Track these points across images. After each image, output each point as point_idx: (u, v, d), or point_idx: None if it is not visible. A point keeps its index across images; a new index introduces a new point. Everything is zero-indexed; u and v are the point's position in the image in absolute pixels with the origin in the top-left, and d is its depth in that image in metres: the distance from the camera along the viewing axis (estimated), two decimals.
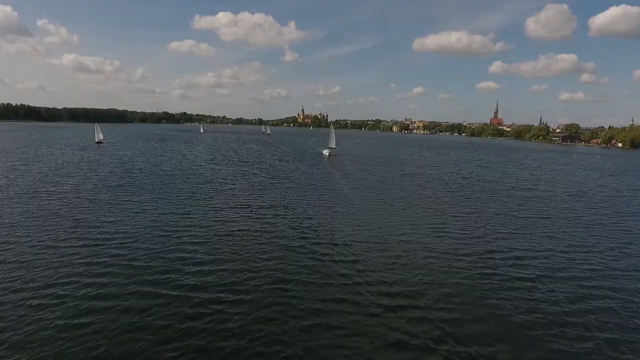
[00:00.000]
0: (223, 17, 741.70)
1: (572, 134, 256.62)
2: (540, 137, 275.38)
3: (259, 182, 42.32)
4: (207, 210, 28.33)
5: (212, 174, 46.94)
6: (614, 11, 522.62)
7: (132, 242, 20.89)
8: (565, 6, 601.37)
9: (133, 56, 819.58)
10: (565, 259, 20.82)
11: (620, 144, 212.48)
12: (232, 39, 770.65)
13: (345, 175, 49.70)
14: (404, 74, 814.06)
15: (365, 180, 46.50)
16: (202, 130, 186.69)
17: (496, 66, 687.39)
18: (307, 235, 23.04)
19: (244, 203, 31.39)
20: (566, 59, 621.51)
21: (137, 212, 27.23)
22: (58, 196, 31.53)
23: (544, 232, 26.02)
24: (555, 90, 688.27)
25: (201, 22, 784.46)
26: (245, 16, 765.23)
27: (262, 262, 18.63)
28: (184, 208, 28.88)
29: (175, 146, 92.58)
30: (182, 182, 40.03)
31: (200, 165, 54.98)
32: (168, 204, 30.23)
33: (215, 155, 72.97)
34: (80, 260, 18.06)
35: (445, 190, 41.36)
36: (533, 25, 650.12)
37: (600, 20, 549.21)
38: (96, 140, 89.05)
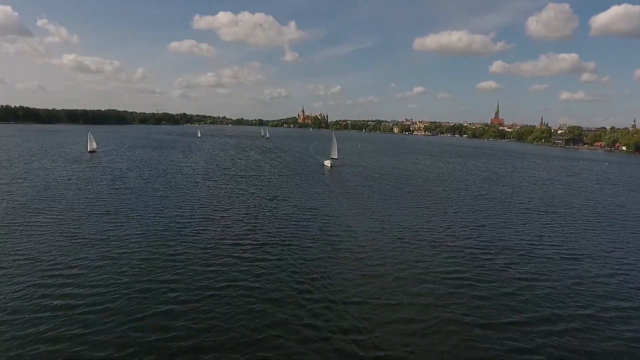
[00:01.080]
0: (223, 16, 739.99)
1: (575, 136, 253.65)
2: (543, 140, 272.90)
3: (255, 207, 39.44)
4: (196, 252, 25.48)
5: (207, 195, 44.09)
6: (615, 10, 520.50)
7: (109, 289, 19.08)
8: (566, 5, 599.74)
9: (133, 56, 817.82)
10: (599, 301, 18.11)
11: (624, 148, 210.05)
12: (232, 39, 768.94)
13: (349, 195, 46.87)
14: (404, 73, 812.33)
15: (370, 201, 43.67)
16: (199, 135, 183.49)
17: (497, 66, 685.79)
18: (305, 289, 20.27)
19: (236, 239, 28.45)
20: (567, 59, 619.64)
21: (121, 248, 25.17)
22: (35, 230, 28.74)
23: (569, 271, 23.25)
24: (556, 89, 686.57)
25: (201, 22, 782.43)
26: (245, 16, 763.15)
27: (253, 328, 15.93)
28: (171, 246, 26.13)
29: (171, 156, 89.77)
30: (173, 208, 37.17)
31: (195, 183, 52.12)
32: (154, 239, 27.57)
33: (212, 167, 70.11)
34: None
35: (456, 216, 38.55)
36: (534, 25, 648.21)
37: (602, 19, 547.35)
38: (89, 150, 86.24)
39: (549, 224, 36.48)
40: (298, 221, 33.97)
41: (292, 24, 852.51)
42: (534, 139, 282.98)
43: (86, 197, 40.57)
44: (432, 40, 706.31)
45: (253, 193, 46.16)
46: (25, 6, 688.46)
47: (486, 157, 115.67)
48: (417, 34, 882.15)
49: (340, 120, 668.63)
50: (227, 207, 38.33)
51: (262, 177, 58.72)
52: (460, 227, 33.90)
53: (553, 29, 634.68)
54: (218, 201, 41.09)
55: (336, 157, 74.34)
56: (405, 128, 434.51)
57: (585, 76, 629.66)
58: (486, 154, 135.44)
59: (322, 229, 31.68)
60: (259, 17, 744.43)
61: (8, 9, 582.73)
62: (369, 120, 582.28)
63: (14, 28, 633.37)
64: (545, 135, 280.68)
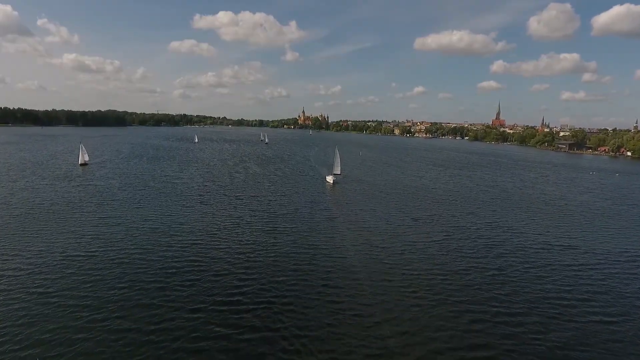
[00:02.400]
0: (224, 16, 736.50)
1: (579, 140, 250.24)
2: (546, 144, 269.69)
3: (251, 244, 36.16)
4: (184, 300, 22.26)
5: (200, 228, 40.75)
6: (617, 10, 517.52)
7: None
8: (568, 5, 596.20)
9: (133, 56, 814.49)
10: None
11: (629, 153, 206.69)
12: (232, 39, 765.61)
13: (351, 225, 43.58)
14: (405, 73, 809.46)
15: (375, 233, 40.38)
16: (197, 140, 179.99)
17: (497, 65, 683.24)
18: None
19: (227, 288, 25.24)
20: (568, 59, 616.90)
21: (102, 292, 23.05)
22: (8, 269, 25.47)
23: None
24: (557, 89, 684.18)
25: (201, 21, 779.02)
26: (246, 15, 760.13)
27: None
28: (156, 296, 22.94)
29: (167, 169, 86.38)
30: (162, 244, 33.88)
31: (189, 209, 48.77)
32: (138, 278, 24.86)
33: (208, 184, 66.75)
34: None
35: (473, 253, 35.25)
36: (535, 25, 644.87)
37: (603, 19, 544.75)
38: (81, 162, 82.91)
39: (573, 266, 33.17)
40: (296, 265, 30.68)
41: (293, 23, 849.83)
42: (536, 143, 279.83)
43: (68, 229, 37.33)
44: (433, 40, 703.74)
45: (250, 223, 42.78)
46: (25, 6, 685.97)
47: (492, 169, 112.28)
48: (417, 33, 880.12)
49: (341, 120, 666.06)
50: (220, 244, 35.04)
51: (260, 200, 55.33)
52: (475, 271, 30.58)
53: (554, 29, 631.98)
54: (211, 236, 37.70)
55: (339, 172, 71.01)
56: (406, 130, 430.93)
57: (586, 76, 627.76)
58: (491, 163, 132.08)
59: (324, 278, 28.36)
60: (259, 16, 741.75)
61: (8, 8, 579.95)
62: (369, 121, 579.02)
63: (14, 28, 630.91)
64: (548, 139, 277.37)
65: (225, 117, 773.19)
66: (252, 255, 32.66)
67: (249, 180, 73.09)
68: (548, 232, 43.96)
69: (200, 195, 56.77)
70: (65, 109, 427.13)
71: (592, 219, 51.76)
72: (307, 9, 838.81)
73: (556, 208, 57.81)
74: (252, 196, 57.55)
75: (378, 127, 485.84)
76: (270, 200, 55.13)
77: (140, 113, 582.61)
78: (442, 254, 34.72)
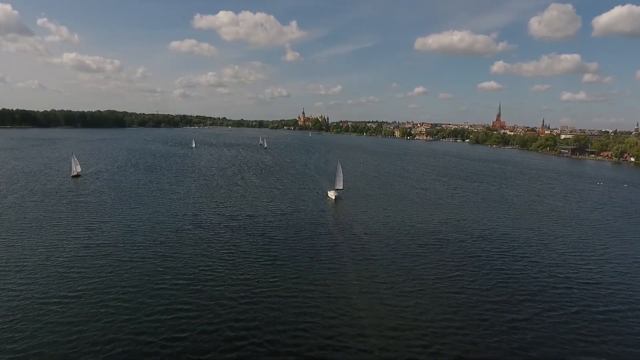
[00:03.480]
0: (224, 16, 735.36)
1: (582, 145, 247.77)
2: (548, 148, 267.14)
3: (248, 277, 33.56)
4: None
5: (195, 254, 38.16)
6: (618, 11, 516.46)
7: None
8: (569, 6, 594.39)
9: (134, 55, 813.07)
10: None
11: (632, 159, 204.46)
12: (233, 39, 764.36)
13: (356, 252, 41.01)
14: (405, 73, 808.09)
15: (382, 264, 37.79)
16: (194, 145, 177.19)
17: (498, 66, 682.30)
18: None
19: (218, 341, 22.64)
20: (569, 59, 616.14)
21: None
22: None
23: None
24: (557, 90, 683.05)
25: (202, 21, 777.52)
26: (246, 15, 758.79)
27: None
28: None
29: (163, 181, 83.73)
30: (154, 278, 31.24)
31: (183, 233, 46.18)
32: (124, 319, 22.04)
33: (205, 201, 64.15)
34: None
35: (487, 292, 32.68)
36: (536, 25, 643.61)
37: (605, 20, 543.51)
38: (73, 174, 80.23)
39: (599, 305, 30.60)
40: (299, 309, 28.06)
41: (294, 23, 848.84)
42: (538, 147, 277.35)
43: (54, 259, 34.68)
44: (433, 40, 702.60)
45: (246, 252, 40.14)
46: (25, 5, 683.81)
47: (497, 179, 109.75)
48: (418, 33, 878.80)
49: (341, 121, 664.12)
50: (215, 280, 32.42)
51: (258, 221, 52.66)
52: (492, 316, 27.96)
53: (555, 29, 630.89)
54: (205, 269, 35.03)
55: (341, 187, 68.35)
56: (407, 132, 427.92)
57: (587, 77, 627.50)
58: (495, 171, 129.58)
59: (327, 327, 25.75)
60: (260, 16, 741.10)
61: (8, 7, 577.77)
62: (369, 122, 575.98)
63: (14, 27, 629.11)
64: (550, 143, 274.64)
65: (225, 117, 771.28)
66: (248, 294, 30.08)
67: (248, 195, 70.40)
68: (564, 261, 41.39)
69: (195, 216, 54.04)
70: (65, 109, 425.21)
71: (607, 242, 49.21)
72: (308, 8, 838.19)
73: (569, 229, 55.21)
74: (250, 216, 54.90)
75: (378, 129, 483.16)
76: (269, 221, 52.48)
77: (140, 114, 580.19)
78: (453, 294, 32.11)
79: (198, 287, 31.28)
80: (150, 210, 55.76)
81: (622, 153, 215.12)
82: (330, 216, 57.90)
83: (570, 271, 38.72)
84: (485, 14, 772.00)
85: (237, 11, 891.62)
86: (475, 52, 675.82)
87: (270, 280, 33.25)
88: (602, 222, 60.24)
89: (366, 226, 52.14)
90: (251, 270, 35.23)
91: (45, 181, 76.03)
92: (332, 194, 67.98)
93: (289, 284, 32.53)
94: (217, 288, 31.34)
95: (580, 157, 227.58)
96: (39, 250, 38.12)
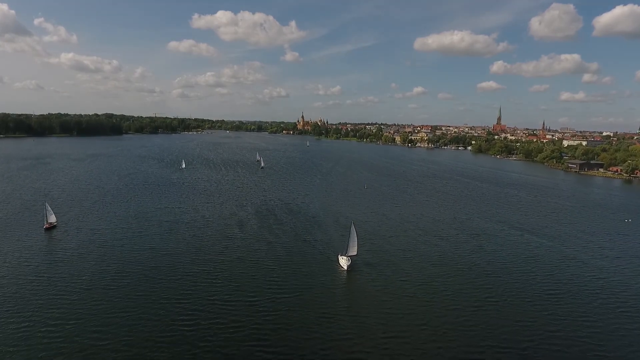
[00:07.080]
0: (223, 16, 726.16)
1: (589, 159, 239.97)
2: (554, 160, 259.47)
3: None
4: None
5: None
6: (620, 10, 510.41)
7: None
8: (571, 6, 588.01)
9: (132, 55, 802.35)
10: None
11: None
12: (231, 39, 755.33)
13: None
14: (405, 73, 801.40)
15: None
16: (184, 166, 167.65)
17: (497, 66, 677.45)
18: None
19: None
20: (569, 59, 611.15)
21: None
22: None
23: None
24: (556, 90, 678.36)
25: (200, 21, 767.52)
26: (245, 15, 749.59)
27: None
28: None
29: (150, 230, 74.52)
30: None
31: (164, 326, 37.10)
32: None
33: (193, 275, 55.08)
34: None
35: None
36: (537, 25, 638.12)
37: (606, 19, 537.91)
38: (45, 226, 70.82)
39: None
40: None
41: (293, 23, 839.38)
42: (544, 159, 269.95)
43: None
44: (433, 40, 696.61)
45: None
46: (22, 5, 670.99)
47: (511, 208, 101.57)
48: (418, 33, 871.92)
49: (340, 124, 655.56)
50: None
51: (257, 309, 43.61)
52: None
53: (556, 29, 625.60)
54: None
55: (355, 253, 58.88)
56: (408, 139, 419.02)
57: (587, 77, 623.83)
58: (509, 197, 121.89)
59: None
60: (259, 16, 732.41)
61: (4, 7, 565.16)
62: (368, 124, 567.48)
63: (11, 27, 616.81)
64: (556, 155, 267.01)
65: (223, 120, 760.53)
66: None
67: (242, 264, 61.33)
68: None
69: (180, 298, 44.92)
70: (62, 112, 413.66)
71: None
72: (307, 8, 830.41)
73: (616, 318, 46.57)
74: (249, 303, 45.87)
75: (378, 135, 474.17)
76: (271, 310, 43.58)
77: (138, 117, 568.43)
78: None
79: None
80: (130, 287, 46.80)
81: (633, 170, 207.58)
82: (342, 301, 49.00)
83: None
84: (485, 14, 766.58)
85: (235, 11, 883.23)
86: (475, 52, 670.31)
87: None
88: None
89: (385, 319, 43.19)
90: None
91: (17, 231, 69.55)
92: (343, 262, 58.34)
93: None
94: None
95: (588, 172, 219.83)
96: None
